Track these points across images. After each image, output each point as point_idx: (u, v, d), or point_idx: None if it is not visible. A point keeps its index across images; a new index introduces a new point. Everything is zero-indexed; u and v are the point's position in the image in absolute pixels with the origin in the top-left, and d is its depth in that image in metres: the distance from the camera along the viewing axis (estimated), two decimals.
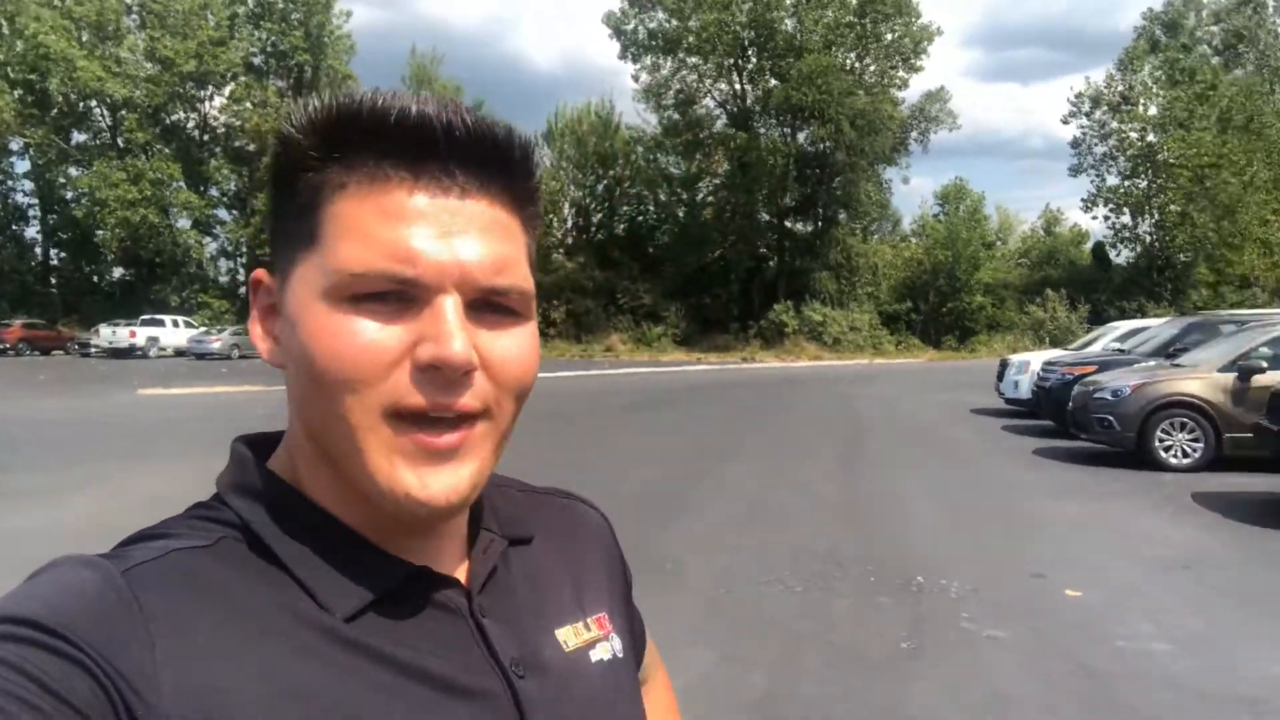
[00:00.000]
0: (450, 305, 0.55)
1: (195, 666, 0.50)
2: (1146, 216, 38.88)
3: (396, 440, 0.55)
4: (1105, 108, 41.25)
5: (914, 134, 42.98)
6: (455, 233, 0.55)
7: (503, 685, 0.60)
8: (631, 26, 43.70)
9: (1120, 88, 40.88)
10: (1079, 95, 41.95)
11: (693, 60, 43.20)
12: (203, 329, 35.25)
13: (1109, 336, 15.55)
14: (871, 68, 42.20)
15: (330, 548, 0.58)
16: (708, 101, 44.32)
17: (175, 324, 36.13)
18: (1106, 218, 40.41)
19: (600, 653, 0.69)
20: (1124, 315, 23.88)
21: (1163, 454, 9.65)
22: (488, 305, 0.57)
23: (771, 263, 43.43)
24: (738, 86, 43.57)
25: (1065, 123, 42.38)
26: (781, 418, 15.30)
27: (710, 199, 44.54)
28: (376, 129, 0.55)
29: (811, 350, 36.77)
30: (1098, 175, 40.92)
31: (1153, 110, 39.58)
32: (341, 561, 0.58)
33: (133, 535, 0.57)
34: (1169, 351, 11.76)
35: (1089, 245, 42.81)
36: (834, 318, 38.12)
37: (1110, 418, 9.96)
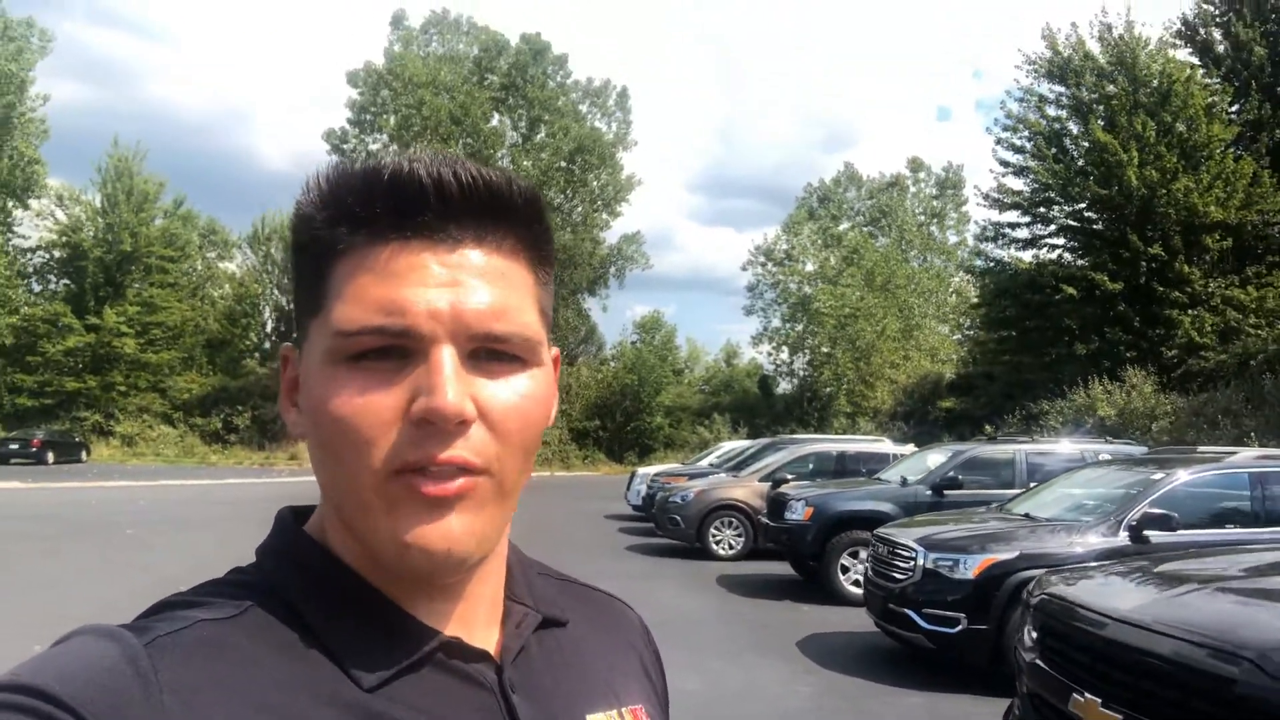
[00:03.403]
0: (446, 355, 0.54)
1: None
2: (801, 355, 45.55)
3: (397, 492, 0.54)
4: (774, 262, 48.28)
5: (613, 270, 47.58)
6: (448, 282, 0.55)
7: None
8: (351, 146, 45.03)
9: (785, 246, 48.17)
10: (756, 248, 48.95)
11: None
12: None
13: (715, 454, 18.46)
14: (579, 208, 46.60)
15: (361, 614, 0.57)
16: None
17: None
18: (770, 353, 46.88)
19: None
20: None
21: (714, 546, 12.08)
22: (491, 354, 0.56)
23: None
24: None
25: (744, 269, 48.87)
26: None
27: None
28: (371, 191, 0.55)
29: None
30: (765, 317, 47.52)
31: (810, 267, 46.94)
32: (372, 628, 0.57)
33: (166, 600, 0.57)
34: (741, 464, 14.51)
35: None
36: None
37: (678, 518, 12.30)
